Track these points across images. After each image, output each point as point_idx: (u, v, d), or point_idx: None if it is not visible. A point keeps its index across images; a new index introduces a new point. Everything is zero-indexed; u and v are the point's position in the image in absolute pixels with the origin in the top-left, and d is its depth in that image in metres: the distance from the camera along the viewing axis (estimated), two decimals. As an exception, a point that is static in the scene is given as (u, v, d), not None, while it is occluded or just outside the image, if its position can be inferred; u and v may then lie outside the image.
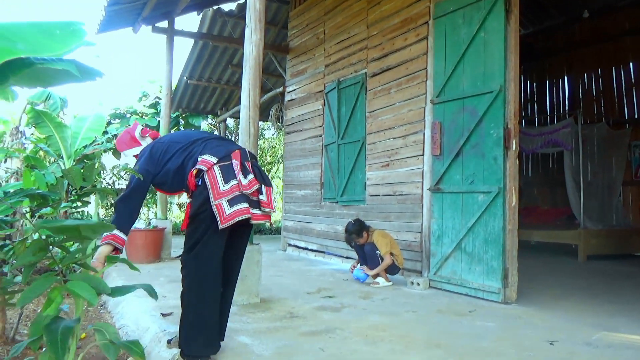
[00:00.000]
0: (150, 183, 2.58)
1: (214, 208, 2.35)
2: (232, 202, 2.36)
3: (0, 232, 3.22)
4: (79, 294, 1.96)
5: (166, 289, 4.38)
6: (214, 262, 2.45)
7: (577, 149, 8.02)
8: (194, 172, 2.45)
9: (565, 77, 10.46)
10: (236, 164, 2.43)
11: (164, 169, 2.57)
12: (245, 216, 2.39)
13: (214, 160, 2.42)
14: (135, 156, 2.74)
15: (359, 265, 5.21)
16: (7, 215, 3.22)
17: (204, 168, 2.41)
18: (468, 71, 4.67)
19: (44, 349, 2.76)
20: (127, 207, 2.51)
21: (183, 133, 2.81)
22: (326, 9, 7.46)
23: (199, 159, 2.45)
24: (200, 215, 2.41)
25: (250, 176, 2.46)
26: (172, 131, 12.75)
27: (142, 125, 2.85)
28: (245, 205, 2.40)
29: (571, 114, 8.74)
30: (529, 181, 10.66)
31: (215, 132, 13.51)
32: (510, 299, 4.19)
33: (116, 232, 2.41)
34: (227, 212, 2.34)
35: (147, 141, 2.80)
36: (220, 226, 2.34)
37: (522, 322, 3.56)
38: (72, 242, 2.43)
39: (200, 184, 2.43)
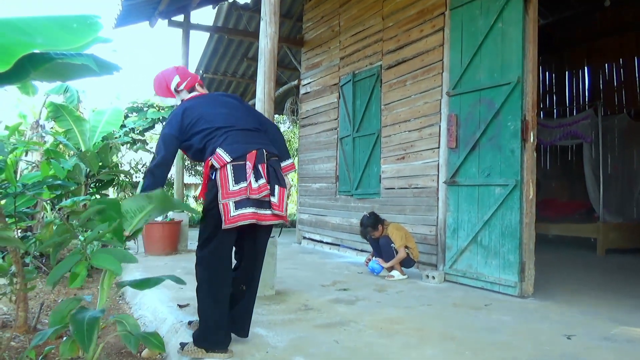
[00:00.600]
0: (178, 148, 2.62)
1: (221, 207, 2.37)
2: (238, 205, 2.37)
3: (21, 224, 3.30)
4: (104, 265, 2.02)
5: (184, 280, 4.43)
6: (224, 259, 2.50)
7: (597, 141, 7.88)
8: (210, 163, 2.46)
9: (586, 68, 10.26)
10: (249, 166, 2.41)
11: (189, 142, 2.59)
12: (248, 221, 2.39)
13: (228, 159, 2.41)
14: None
15: (374, 257, 5.21)
16: (27, 207, 3.29)
17: (217, 165, 2.41)
18: (485, 62, 4.60)
19: (64, 338, 2.83)
20: (162, 172, 2.53)
21: (213, 110, 2.63)
22: (341, 1, 7.42)
23: (217, 150, 2.44)
24: (211, 212, 2.44)
25: (262, 181, 2.44)
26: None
27: (177, 78, 2.77)
28: (250, 210, 2.40)
29: (591, 105, 8.58)
30: (547, 174, 10.51)
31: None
32: (526, 293, 4.15)
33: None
34: (231, 214, 2.36)
35: (183, 95, 2.78)
36: (224, 226, 2.36)
37: (539, 316, 3.53)
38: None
39: (212, 178, 2.45)
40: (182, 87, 2.77)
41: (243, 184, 2.38)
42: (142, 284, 2.24)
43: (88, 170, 2.49)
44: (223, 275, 2.49)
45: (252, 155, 2.44)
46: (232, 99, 2.78)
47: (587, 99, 10.08)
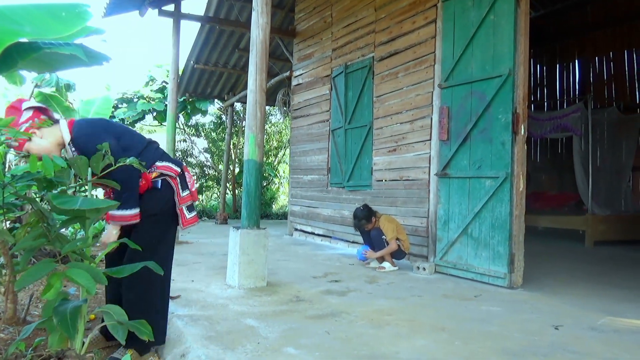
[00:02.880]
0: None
1: (178, 211, 2.62)
2: (189, 209, 2.68)
3: (10, 215, 3.26)
4: (78, 281, 1.98)
5: (175, 272, 4.42)
6: (170, 259, 2.68)
7: (587, 134, 7.94)
8: (153, 175, 2.54)
9: (577, 61, 10.32)
10: (188, 176, 2.71)
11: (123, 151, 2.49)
12: (195, 223, 2.73)
13: (178, 170, 2.64)
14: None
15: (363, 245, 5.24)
16: (17, 199, 3.25)
17: (171, 174, 2.59)
18: (477, 55, 4.61)
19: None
20: (134, 190, 2.46)
21: (123, 127, 2.68)
22: (333, -9, 7.38)
23: (159, 164, 2.57)
24: (162, 216, 2.58)
25: (193, 188, 2.75)
26: (180, 115, 12.81)
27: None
28: (194, 213, 2.73)
29: (581, 99, 8.63)
30: (537, 166, 10.59)
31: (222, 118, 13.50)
32: (516, 284, 4.20)
33: (130, 211, 2.40)
34: (187, 217, 2.66)
35: (63, 122, 2.49)
36: (183, 228, 2.67)
37: (528, 307, 3.57)
38: (72, 231, 2.46)
39: (159, 186, 2.56)
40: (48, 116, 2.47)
41: (187, 192, 2.67)
42: (119, 272, 2.21)
43: (75, 174, 2.45)
44: (169, 277, 2.69)
45: (185, 167, 2.73)
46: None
47: (577, 92, 10.14)
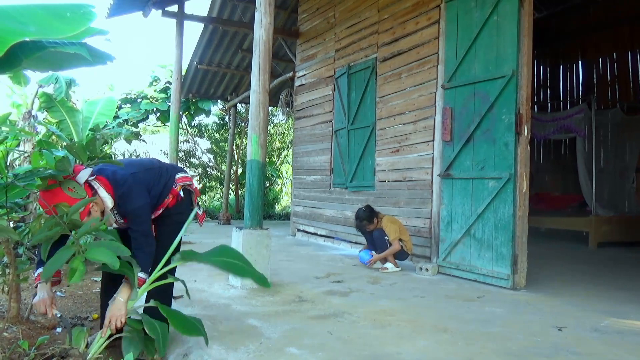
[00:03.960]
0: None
1: (194, 213, 2.77)
2: (198, 207, 2.89)
3: (14, 215, 3.28)
4: (99, 259, 2.00)
5: (177, 271, 4.43)
6: None
7: (590, 135, 7.92)
8: (178, 188, 2.71)
9: (580, 62, 10.29)
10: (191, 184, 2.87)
11: (152, 197, 2.59)
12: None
13: (189, 175, 2.86)
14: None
15: (365, 249, 5.23)
16: (20, 198, 3.27)
17: (189, 182, 2.79)
18: (480, 55, 4.61)
19: (57, 330, 2.83)
20: (149, 252, 2.48)
21: (136, 162, 2.75)
22: (337, -8, 7.38)
23: (177, 177, 2.74)
24: (184, 216, 2.71)
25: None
26: (183, 115, 12.83)
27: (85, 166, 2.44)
28: (202, 209, 2.95)
29: (585, 100, 8.62)
30: (541, 167, 10.57)
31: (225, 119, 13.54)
32: (519, 285, 4.19)
33: (141, 274, 2.38)
34: (199, 214, 2.87)
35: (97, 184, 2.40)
36: (200, 224, 2.96)
37: (531, 308, 3.56)
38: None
39: (184, 195, 2.75)
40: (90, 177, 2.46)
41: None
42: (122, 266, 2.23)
43: (77, 161, 2.45)
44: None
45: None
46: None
47: (580, 93, 10.11)
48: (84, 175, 2.31)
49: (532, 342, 2.75)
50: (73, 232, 2.11)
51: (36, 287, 2.42)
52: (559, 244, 7.71)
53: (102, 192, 2.36)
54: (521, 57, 4.26)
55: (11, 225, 3.67)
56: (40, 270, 2.35)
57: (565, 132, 8.58)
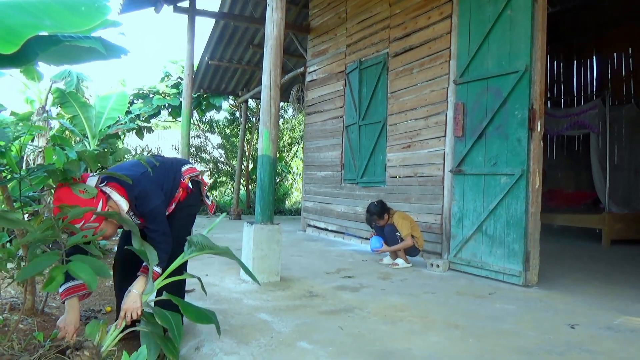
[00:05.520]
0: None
1: (205, 201, 2.91)
2: (207, 196, 2.97)
3: (28, 209, 3.32)
4: (79, 275, 1.96)
5: (189, 266, 4.46)
6: None
7: (604, 131, 7.81)
8: (186, 180, 2.74)
9: (594, 57, 10.15)
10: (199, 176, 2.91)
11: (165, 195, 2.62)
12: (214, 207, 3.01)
13: (195, 166, 2.89)
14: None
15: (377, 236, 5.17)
16: (34, 192, 3.31)
17: (196, 173, 2.82)
18: (493, 50, 4.56)
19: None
20: (166, 250, 2.48)
21: (140, 163, 2.66)
22: (348, -13, 7.35)
23: (183, 169, 2.76)
24: (195, 208, 2.85)
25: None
26: (194, 111, 12.89)
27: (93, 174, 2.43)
28: (210, 198, 3.01)
29: (599, 95, 8.50)
30: (554, 164, 10.45)
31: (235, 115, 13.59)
32: (531, 282, 4.16)
33: (156, 268, 2.39)
34: (209, 203, 2.95)
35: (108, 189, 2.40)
36: (211, 213, 3.02)
37: (543, 305, 3.53)
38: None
39: (192, 187, 2.78)
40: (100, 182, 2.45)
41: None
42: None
43: (88, 169, 2.47)
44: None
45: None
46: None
47: (594, 89, 9.98)
48: (92, 182, 2.31)
49: (544, 340, 2.73)
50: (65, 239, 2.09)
51: (63, 302, 2.39)
52: (571, 242, 7.64)
53: (116, 196, 2.35)
54: (535, 52, 4.21)
55: (25, 218, 3.71)
56: (66, 285, 2.31)
57: (578, 128, 8.48)
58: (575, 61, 10.49)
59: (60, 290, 2.31)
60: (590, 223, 7.74)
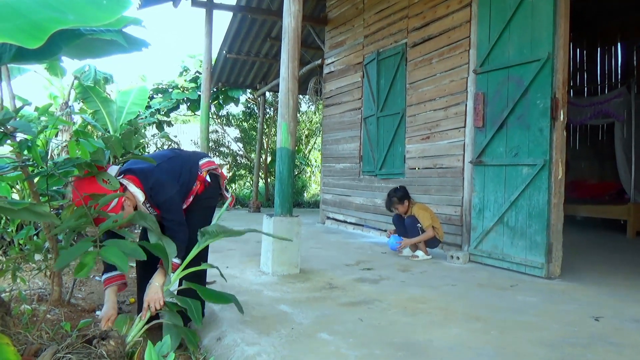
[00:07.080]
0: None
1: (223, 194, 2.92)
2: (226, 190, 2.98)
3: (54, 203, 3.39)
4: (111, 260, 2.03)
5: (210, 258, 4.51)
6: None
7: (629, 120, 7.63)
8: (204, 174, 2.75)
9: (619, 44, 9.89)
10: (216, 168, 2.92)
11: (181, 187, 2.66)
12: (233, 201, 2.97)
13: (213, 159, 2.92)
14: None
15: (394, 234, 5.16)
16: (59, 187, 3.38)
17: (213, 166, 2.82)
18: (514, 38, 4.48)
19: (96, 313, 2.92)
20: (183, 240, 2.53)
21: (158, 155, 2.78)
22: (365, -23, 7.29)
23: (200, 163, 2.77)
24: (213, 201, 2.87)
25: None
26: (211, 105, 12.99)
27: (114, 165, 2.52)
28: (229, 192, 3.00)
29: (624, 83, 8.30)
30: (577, 154, 10.25)
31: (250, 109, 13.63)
32: (553, 274, 4.10)
33: (175, 260, 2.44)
34: (227, 197, 2.92)
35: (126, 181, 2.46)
36: (230, 206, 2.93)
37: (566, 297, 3.48)
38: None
39: (211, 180, 2.80)
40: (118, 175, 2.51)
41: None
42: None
43: (111, 154, 2.51)
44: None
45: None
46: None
47: (619, 77, 9.73)
48: (111, 172, 2.40)
49: (567, 332, 2.69)
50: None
51: (104, 291, 2.57)
52: (595, 233, 7.50)
53: (132, 187, 2.43)
54: (557, 39, 4.12)
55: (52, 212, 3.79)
56: (108, 275, 2.53)
57: (603, 117, 8.30)
58: (599, 48, 10.24)
59: (102, 279, 2.57)
60: (614, 214, 7.59)
